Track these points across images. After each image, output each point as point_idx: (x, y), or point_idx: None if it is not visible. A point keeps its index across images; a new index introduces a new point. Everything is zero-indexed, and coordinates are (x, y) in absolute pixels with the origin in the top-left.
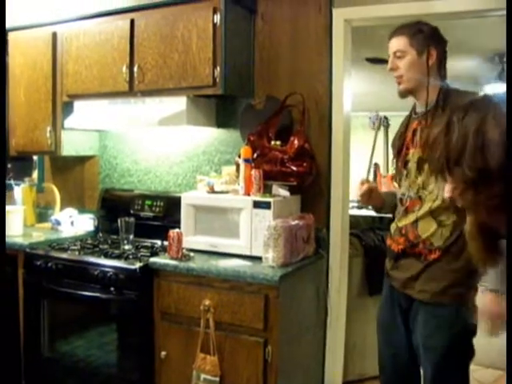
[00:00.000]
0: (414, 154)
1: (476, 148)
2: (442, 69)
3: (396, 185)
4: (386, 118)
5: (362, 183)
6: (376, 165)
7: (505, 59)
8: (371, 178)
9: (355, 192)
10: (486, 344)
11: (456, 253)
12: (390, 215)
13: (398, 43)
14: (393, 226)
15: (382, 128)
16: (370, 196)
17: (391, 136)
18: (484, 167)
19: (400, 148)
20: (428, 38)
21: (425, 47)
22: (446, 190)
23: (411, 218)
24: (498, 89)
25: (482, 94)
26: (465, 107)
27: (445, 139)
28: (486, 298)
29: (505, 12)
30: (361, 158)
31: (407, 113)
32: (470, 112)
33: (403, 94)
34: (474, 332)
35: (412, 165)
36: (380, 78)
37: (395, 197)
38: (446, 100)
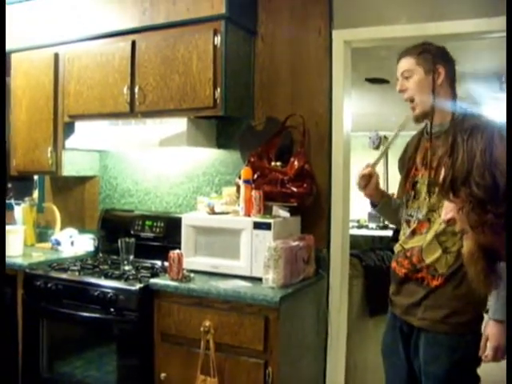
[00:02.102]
0: (423, 176)
1: (484, 166)
2: (453, 88)
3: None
4: (385, 137)
5: (367, 166)
6: None
7: (503, 79)
8: None
9: (355, 177)
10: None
11: (459, 280)
12: (386, 222)
13: (405, 64)
14: (397, 248)
15: (381, 147)
16: (369, 182)
17: (391, 156)
18: (492, 185)
19: (409, 168)
20: (435, 56)
21: (432, 66)
22: (444, 213)
23: (418, 240)
24: (496, 109)
25: (486, 118)
26: (469, 128)
27: (450, 160)
28: (493, 329)
29: (505, 34)
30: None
31: (406, 132)
32: (475, 133)
33: (419, 119)
34: (478, 361)
35: (421, 186)
36: (380, 97)
37: (397, 204)
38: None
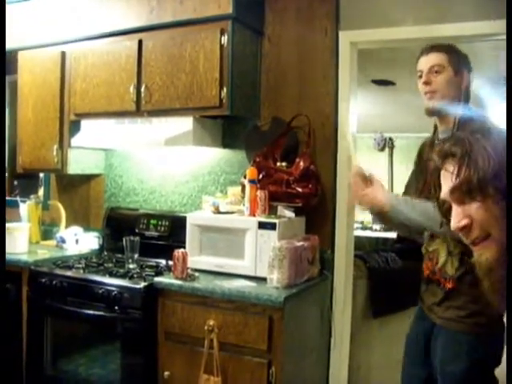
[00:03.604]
0: None
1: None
2: (468, 97)
3: None
4: (390, 139)
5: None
6: None
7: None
8: None
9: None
10: None
11: (472, 283)
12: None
13: (436, 58)
14: (423, 250)
15: (386, 149)
16: (365, 192)
17: (395, 157)
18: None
19: (426, 175)
20: (463, 60)
21: (460, 69)
22: (456, 220)
23: (437, 243)
24: (501, 111)
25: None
26: (474, 132)
27: (468, 161)
28: None
29: None
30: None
31: (410, 134)
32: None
33: (431, 112)
34: (496, 361)
35: None
36: (385, 99)
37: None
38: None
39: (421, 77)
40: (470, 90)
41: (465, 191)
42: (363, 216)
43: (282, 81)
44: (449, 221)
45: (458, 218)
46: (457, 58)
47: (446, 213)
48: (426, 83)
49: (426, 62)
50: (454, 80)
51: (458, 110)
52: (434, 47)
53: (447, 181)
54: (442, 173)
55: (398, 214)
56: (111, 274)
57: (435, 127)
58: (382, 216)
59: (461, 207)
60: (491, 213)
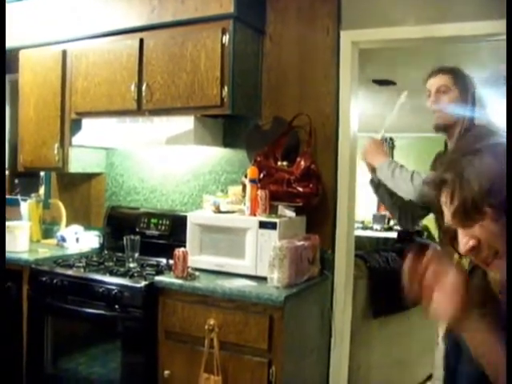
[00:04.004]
0: None
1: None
2: (473, 112)
3: None
4: (391, 138)
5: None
6: None
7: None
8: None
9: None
10: None
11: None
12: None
13: (442, 80)
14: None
15: (387, 149)
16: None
17: (396, 157)
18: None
19: None
20: (468, 80)
21: (465, 88)
22: (463, 243)
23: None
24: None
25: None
26: (473, 151)
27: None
28: None
29: None
30: (367, 178)
31: (411, 134)
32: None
33: (439, 128)
34: None
35: None
36: (386, 99)
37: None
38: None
39: (429, 96)
40: (475, 107)
41: (462, 213)
42: (364, 216)
43: (283, 80)
44: (455, 247)
45: (464, 240)
46: (461, 79)
47: (451, 240)
48: (434, 102)
49: (433, 83)
50: (460, 99)
51: (462, 126)
52: (441, 70)
53: (446, 207)
54: (441, 202)
55: (381, 174)
56: (112, 273)
57: (445, 142)
58: (374, 181)
59: (465, 230)
60: (492, 231)
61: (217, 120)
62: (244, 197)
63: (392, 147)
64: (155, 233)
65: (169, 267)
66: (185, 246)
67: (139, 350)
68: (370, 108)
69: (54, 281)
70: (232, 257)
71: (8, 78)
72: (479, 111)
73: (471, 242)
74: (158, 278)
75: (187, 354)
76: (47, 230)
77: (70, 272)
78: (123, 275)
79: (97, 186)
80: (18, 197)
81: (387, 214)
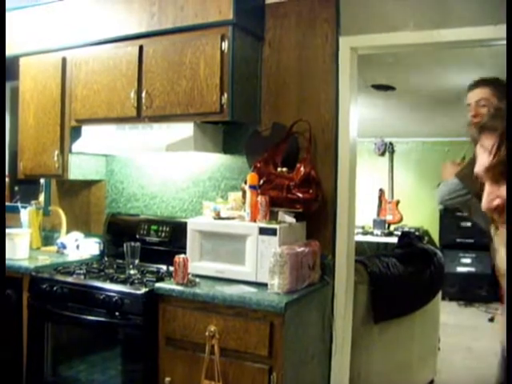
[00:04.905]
0: None
1: None
2: None
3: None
4: (391, 143)
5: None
6: (381, 190)
7: None
8: (376, 203)
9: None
10: None
11: None
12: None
13: (481, 93)
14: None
15: (387, 154)
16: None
17: (396, 162)
18: None
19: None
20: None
21: (502, 97)
22: (488, 200)
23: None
24: None
25: None
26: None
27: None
28: None
29: None
30: (367, 183)
31: (411, 139)
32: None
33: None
34: None
35: None
36: (385, 104)
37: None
38: None
39: (470, 110)
40: None
41: (500, 170)
42: (364, 221)
43: (283, 86)
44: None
45: (490, 197)
46: (501, 90)
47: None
48: (475, 116)
49: (472, 96)
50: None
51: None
52: (479, 82)
53: (483, 156)
54: (478, 146)
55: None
56: (112, 280)
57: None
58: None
59: (494, 186)
60: None
61: (216, 126)
62: (244, 203)
63: (392, 152)
64: (155, 239)
65: (169, 274)
66: (185, 253)
67: (140, 356)
68: (369, 113)
69: (54, 288)
70: (232, 263)
71: (8, 85)
72: None
73: (496, 201)
74: (158, 285)
75: (188, 360)
76: (47, 237)
77: (70, 279)
78: (123, 282)
79: (97, 193)
80: (18, 204)
81: (387, 219)
